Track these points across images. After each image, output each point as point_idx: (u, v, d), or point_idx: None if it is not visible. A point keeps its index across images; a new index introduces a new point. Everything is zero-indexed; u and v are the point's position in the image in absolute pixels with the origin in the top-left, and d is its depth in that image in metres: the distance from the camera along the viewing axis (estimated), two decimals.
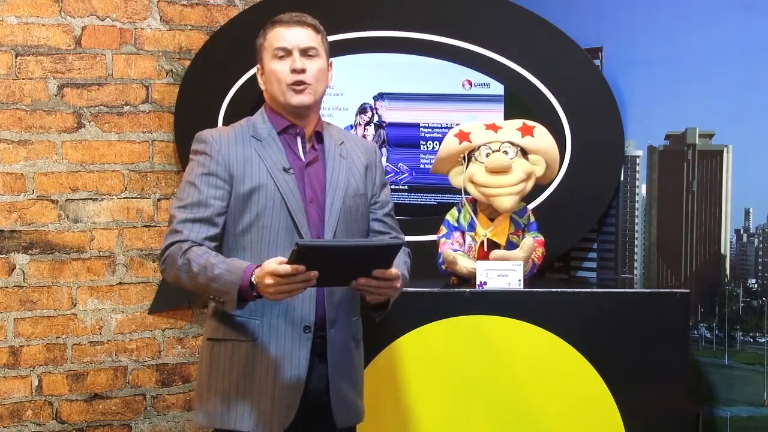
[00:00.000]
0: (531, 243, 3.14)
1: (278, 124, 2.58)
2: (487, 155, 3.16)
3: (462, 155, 3.21)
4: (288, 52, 2.54)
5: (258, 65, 2.62)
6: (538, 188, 3.42)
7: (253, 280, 2.35)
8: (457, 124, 3.40)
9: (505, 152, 3.16)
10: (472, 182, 3.17)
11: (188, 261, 2.42)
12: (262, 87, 2.61)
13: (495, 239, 3.18)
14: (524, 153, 3.19)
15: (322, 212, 2.56)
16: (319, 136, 2.63)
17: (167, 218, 2.55)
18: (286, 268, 2.25)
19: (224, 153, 2.51)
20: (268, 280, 2.28)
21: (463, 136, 3.21)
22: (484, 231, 3.19)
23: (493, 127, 3.21)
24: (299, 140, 2.59)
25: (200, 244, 2.46)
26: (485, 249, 3.17)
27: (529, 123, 3.22)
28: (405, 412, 3.00)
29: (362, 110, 3.87)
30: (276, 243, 2.49)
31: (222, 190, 2.50)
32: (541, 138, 3.20)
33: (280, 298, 2.33)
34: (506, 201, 3.13)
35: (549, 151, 3.21)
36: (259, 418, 2.48)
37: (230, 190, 2.50)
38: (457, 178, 3.24)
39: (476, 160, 3.18)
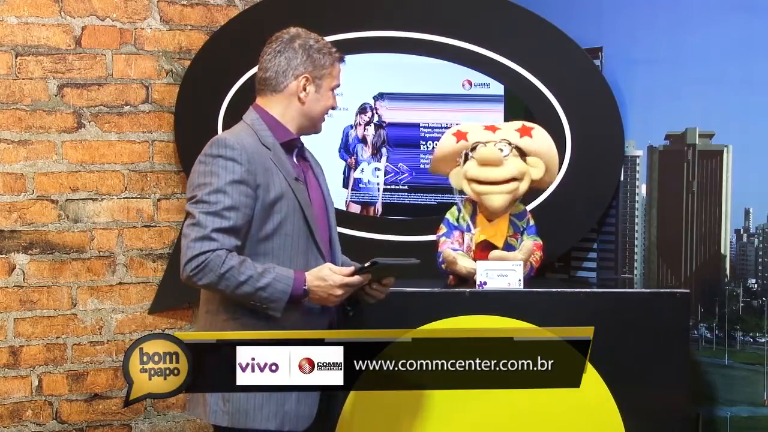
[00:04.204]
0: (530, 246, 3.12)
1: (283, 135, 2.61)
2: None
3: (460, 155, 3.21)
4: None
5: (308, 75, 2.60)
6: (538, 189, 3.41)
7: (306, 287, 2.49)
8: (457, 124, 3.40)
9: (500, 149, 3.14)
10: (467, 178, 3.16)
11: (232, 270, 2.43)
12: (303, 97, 2.61)
13: (492, 241, 3.16)
14: (523, 156, 3.17)
15: (326, 219, 2.69)
16: (302, 149, 2.70)
17: (187, 218, 2.49)
18: (359, 278, 2.49)
19: (252, 161, 2.50)
20: (338, 291, 2.48)
21: (460, 135, 3.20)
22: (479, 233, 3.17)
23: (492, 128, 3.21)
24: (294, 151, 2.66)
25: (231, 251, 2.47)
26: (482, 250, 3.16)
27: (528, 124, 3.20)
28: (405, 412, 3.00)
29: (362, 110, 3.87)
30: (296, 249, 2.56)
31: (250, 198, 2.49)
32: (539, 140, 3.18)
33: (337, 303, 2.53)
34: (496, 200, 3.12)
35: (547, 153, 3.18)
36: (286, 416, 2.53)
37: (255, 198, 2.50)
38: (456, 178, 3.24)
39: (471, 157, 3.17)
